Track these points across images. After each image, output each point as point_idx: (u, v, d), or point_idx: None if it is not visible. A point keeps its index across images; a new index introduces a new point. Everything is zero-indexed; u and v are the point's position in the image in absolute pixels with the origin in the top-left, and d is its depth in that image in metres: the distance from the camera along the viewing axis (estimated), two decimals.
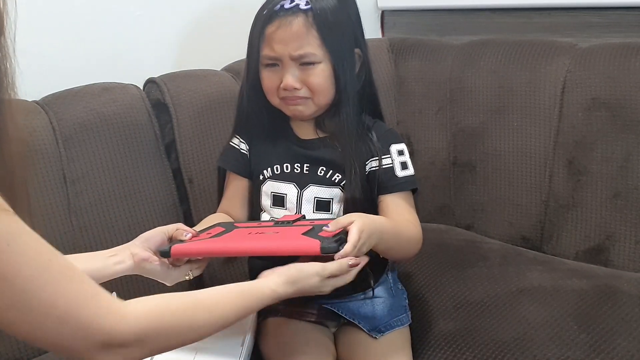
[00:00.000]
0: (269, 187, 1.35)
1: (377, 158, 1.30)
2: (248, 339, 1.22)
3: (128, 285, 1.36)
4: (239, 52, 1.71)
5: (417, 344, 1.31)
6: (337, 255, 1.08)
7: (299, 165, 1.33)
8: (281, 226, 1.23)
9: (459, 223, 1.75)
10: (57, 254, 0.79)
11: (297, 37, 1.24)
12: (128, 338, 0.82)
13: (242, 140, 1.39)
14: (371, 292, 1.33)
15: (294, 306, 1.33)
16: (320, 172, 1.31)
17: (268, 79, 1.30)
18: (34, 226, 0.82)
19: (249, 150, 1.38)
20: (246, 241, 1.17)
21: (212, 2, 1.80)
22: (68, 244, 1.38)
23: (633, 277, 1.41)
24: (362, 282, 1.32)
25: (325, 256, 1.08)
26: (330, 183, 1.31)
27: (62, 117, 1.40)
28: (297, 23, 1.24)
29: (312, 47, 1.24)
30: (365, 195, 1.30)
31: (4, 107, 0.81)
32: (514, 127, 1.63)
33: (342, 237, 1.11)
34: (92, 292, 0.81)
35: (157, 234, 1.20)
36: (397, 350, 1.29)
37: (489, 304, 1.36)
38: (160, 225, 1.50)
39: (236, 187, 1.39)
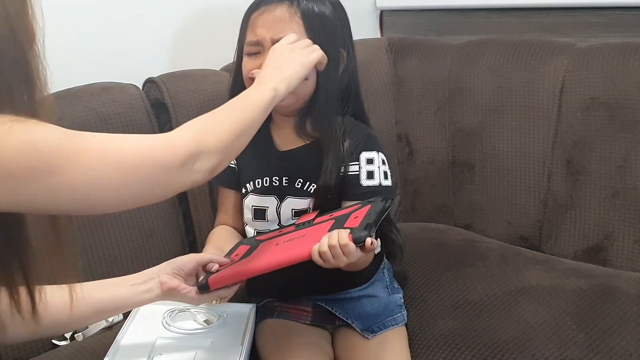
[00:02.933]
0: (251, 201, 1.35)
1: (344, 164, 1.29)
2: (247, 339, 1.23)
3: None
4: None
5: (416, 344, 1.31)
6: (367, 242, 1.07)
7: (278, 178, 1.33)
8: (304, 228, 1.23)
9: (458, 222, 1.75)
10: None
11: (280, 21, 1.25)
12: (189, 142, 0.96)
13: None
14: (367, 289, 1.33)
15: (288, 304, 1.33)
16: (298, 184, 1.31)
17: (248, 66, 1.29)
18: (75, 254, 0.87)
19: (237, 164, 1.39)
20: (278, 253, 1.16)
21: (211, 2, 1.80)
22: None
23: (631, 277, 1.41)
24: (358, 277, 1.32)
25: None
26: (305, 194, 1.31)
27: (61, 117, 1.39)
28: (281, 9, 1.26)
29: (295, 32, 1.25)
30: (334, 197, 1.30)
31: (39, 106, 0.84)
32: (513, 127, 1.64)
33: (368, 222, 1.10)
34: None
35: (189, 262, 1.19)
36: (392, 350, 1.28)
37: (487, 303, 1.37)
38: (159, 223, 1.52)
39: (231, 200, 1.40)
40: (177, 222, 1.56)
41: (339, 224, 1.15)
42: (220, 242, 1.33)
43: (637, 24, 1.67)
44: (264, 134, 1.36)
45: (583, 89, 1.53)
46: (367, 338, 1.29)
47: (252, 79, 1.27)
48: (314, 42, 1.26)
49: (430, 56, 1.80)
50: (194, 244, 1.59)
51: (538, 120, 1.60)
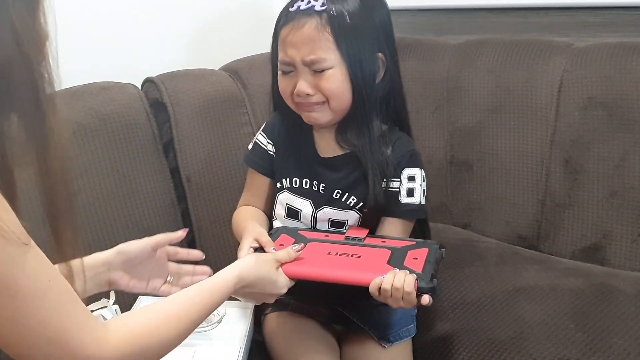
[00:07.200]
0: (285, 198, 1.34)
1: (385, 179, 1.28)
2: (246, 338, 1.23)
3: None
4: (238, 51, 1.71)
5: (414, 345, 1.32)
6: (424, 299, 1.08)
7: (317, 183, 1.31)
8: (354, 244, 1.23)
9: (456, 222, 1.75)
10: (57, 276, 0.81)
11: (309, 41, 1.20)
12: None
13: (269, 140, 1.37)
14: None
15: (305, 303, 1.33)
16: (336, 195, 1.30)
17: (283, 84, 1.27)
18: (76, 239, 0.84)
19: (275, 152, 1.37)
20: (339, 269, 1.17)
21: (210, 2, 1.80)
22: None
23: (629, 276, 1.41)
24: None
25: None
26: (345, 206, 1.30)
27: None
28: (309, 25, 1.20)
29: (324, 51, 1.20)
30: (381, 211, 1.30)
31: (48, 116, 0.82)
32: (511, 127, 1.64)
33: (432, 273, 1.12)
34: (82, 317, 0.83)
35: (143, 250, 1.17)
36: None
37: (485, 303, 1.37)
38: (158, 222, 1.51)
39: (261, 185, 1.39)
40: (175, 221, 1.56)
41: (397, 259, 1.16)
42: (259, 223, 1.32)
43: (635, 24, 1.67)
44: (306, 135, 1.35)
45: (581, 89, 1.53)
46: (384, 347, 1.29)
47: (291, 97, 1.26)
48: (345, 56, 1.21)
49: (429, 56, 1.80)
50: (193, 243, 1.59)
51: (536, 120, 1.60)
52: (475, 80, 1.69)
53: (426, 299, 1.08)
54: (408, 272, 1.10)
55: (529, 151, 1.61)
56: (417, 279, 1.09)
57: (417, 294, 1.08)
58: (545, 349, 1.22)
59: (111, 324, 0.87)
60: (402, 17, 2.08)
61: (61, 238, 0.87)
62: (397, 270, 1.11)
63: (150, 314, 0.93)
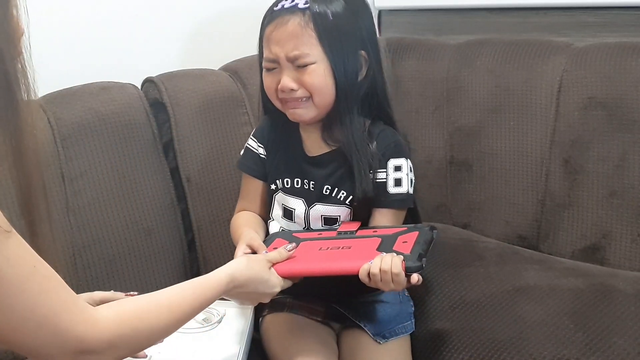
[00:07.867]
0: (281, 199, 1.36)
1: (372, 171, 1.30)
2: (246, 338, 1.23)
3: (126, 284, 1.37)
4: (237, 51, 1.71)
5: (413, 345, 1.32)
6: (413, 278, 1.10)
7: (307, 181, 1.33)
8: (346, 238, 1.25)
9: (456, 222, 1.75)
10: (40, 261, 0.81)
11: (293, 37, 1.24)
12: (100, 345, 0.85)
13: (259, 144, 1.40)
14: (380, 295, 1.34)
15: (301, 302, 1.34)
16: (326, 191, 1.32)
17: (267, 81, 1.30)
18: (51, 231, 0.84)
19: (266, 155, 1.39)
20: (328, 260, 1.18)
21: (210, 3, 1.81)
22: (66, 243, 1.38)
23: (629, 276, 1.41)
24: None
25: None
26: (335, 202, 1.32)
27: (60, 117, 1.41)
28: (293, 22, 1.24)
29: (308, 46, 1.24)
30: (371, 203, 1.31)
31: (21, 109, 0.82)
32: (511, 126, 1.64)
33: (420, 253, 1.13)
34: (69, 300, 0.83)
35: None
36: (399, 357, 1.29)
37: (485, 303, 1.37)
38: (158, 222, 1.51)
39: (256, 189, 1.41)
40: (175, 221, 1.56)
41: (386, 245, 1.18)
42: (255, 228, 1.35)
43: (635, 24, 1.67)
44: (294, 135, 1.38)
45: (581, 89, 1.53)
46: (379, 343, 1.30)
47: (276, 94, 1.29)
48: (328, 52, 1.24)
49: (429, 56, 1.80)
50: (193, 243, 1.59)
51: (536, 120, 1.60)
52: (475, 80, 1.69)
53: (415, 277, 1.10)
54: (395, 254, 1.12)
55: (529, 151, 1.61)
56: (404, 260, 1.10)
57: (406, 274, 1.10)
58: (545, 349, 1.22)
59: (101, 307, 0.88)
60: (402, 17, 2.09)
61: (37, 230, 0.88)
62: (384, 254, 1.13)
63: (142, 300, 0.94)
